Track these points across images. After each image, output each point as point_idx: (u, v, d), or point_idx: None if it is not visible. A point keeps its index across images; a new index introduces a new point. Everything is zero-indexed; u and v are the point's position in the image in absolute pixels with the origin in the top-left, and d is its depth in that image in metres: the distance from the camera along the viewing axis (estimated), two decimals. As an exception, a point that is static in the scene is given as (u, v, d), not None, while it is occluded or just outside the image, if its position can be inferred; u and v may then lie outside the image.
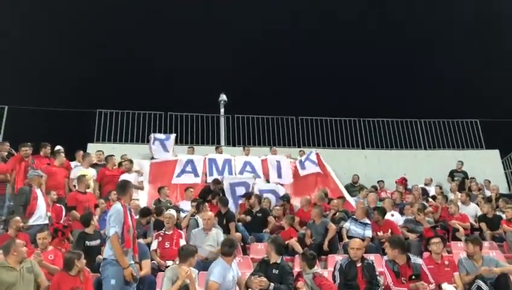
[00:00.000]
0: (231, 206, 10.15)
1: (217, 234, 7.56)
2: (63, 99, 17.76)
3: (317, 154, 13.40)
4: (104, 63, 21.62)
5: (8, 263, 5.46)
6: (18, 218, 7.06)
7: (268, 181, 12.54)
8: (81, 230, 7.32)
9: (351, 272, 6.28)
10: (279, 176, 12.85)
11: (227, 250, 5.96)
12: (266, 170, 12.90)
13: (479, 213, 10.09)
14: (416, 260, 6.37)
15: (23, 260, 5.59)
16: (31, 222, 7.54)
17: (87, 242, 6.92)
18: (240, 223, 9.11)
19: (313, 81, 22.48)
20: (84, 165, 10.59)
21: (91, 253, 6.60)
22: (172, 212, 8.06)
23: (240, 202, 10.53)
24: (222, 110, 15.83)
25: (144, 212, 8.44)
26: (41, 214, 7.73)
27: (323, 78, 22.67)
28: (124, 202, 5.50)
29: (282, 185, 12.26)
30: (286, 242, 7.85)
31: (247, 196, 10.32)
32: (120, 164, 11.21)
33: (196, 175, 12.49)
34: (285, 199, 10.77)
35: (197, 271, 5.99)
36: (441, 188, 12.96)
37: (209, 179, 12.02)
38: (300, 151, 13.83)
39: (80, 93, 19.27)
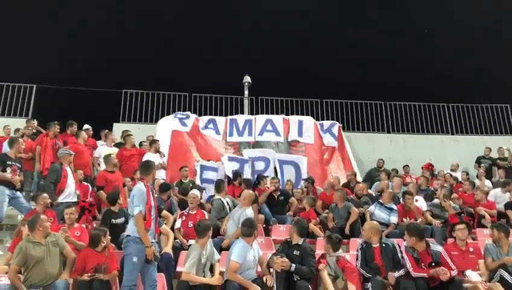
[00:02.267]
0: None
1: (241, 216, 7.29)
2: (90, 80, 17.99)
3: (339, 127, 13.45)
4: (131, 44, 21.79)
5: (35, 238, 5.58)
6: (45, 195, 7.20)
7: (287, 139, 12.82)
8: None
9: (368, 252, 6.32)
10: (300, 134, 12.95)
11: (247, 230, 6.02)
12: (287, 129, 13.02)
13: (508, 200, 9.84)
14: (435, 247, 6.29)
15: (48, 234, 5.72)
16: (61, 199, 7.66)
17: (112, 220, 7.03)
18: (264, 205, 9.08)
19: (338, 64, 22.16)
20: (108, 143, 10.75)
21: (116, 230, 6.72)
22: (196, 192, 8.11)
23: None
24: (246, 92, 15.77)
25: (163, 187, 8.38)
26: (70, 191, 7.86)
27: (349, 61, 22.33)
28: (147, 182, 5.54)
29: (302, 144, 12.53)
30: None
31: (263, 178, 10.27)
32: (141, 144, 11.36)
33: (217, 132, 12.75)
34: (310, 180, 10.73)
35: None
36: (467, 174, 12.69)
37: (229, 139, 12.58)
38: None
39: (106, 73, 19.47)
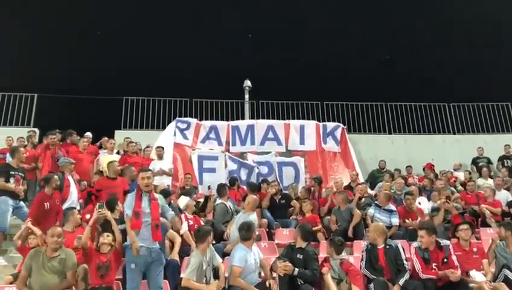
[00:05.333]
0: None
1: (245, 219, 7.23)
2: (91, 87, 18.03)
3: (343, 129, 13.43)
4: (131, 50, 21.85)
5: (45, 249, 5.56)
6: (56, 177, 7.37)
7: (288, 148, 12.79)
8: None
9: (373, 254, 6.33)
10: (302, 142, 12.97)
11: (245, 234, 6.07)
12: (288, 136, 13.00)
13: (510, 199, 9.83)
14: (444, 242, 6.36)
15: (61, 247, 5.62)
16: (64, 208, 7.70)
17: (113, 227, 6.99)
18: (265, 209, 9.10)
19: (338, 66, 22.17)
20: (108, 151, 10.77)
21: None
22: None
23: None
24: (247, 96, 15.79)
25: (163, 194, 8.19)
26: (73, 200, 7.90)
27: (349, 63, 22.34)
28: (140, 188, 5.70)
29: (303, 152, 12.59)
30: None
31: (266, 182, 10.29)
32: (144, 150, 11.38)
33: (220, 144, 12.73)
34: (317, 181, 10.72)
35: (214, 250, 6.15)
36: (470, 173, 12.67)
37: (232, 149, 12.52)
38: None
39: (107, 81, 19.52)
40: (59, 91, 15.57)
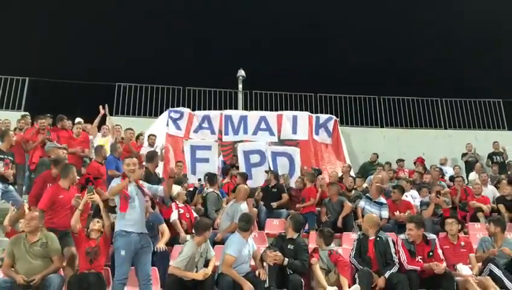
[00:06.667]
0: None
1: (236, 210, 7.24)
2: (84, 73, 17.90)
3: (335, 121, 13.40)
4: (124, 37, 21.70)
5: (26, 236, 5.49)
6: (66, 162, 7.33)
7: (280, 138, 12.76)
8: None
9: (363, 245, 6.39)
10: (294, 131, 12.95)
11: (244, 225, 6.06)
12: (281, 126, 13.01)
13: (497, 195, 9.91)
14: (429, 235, 6.43)
15: (42, 230, 5.58)
16: None
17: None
18: (261, 203, 9.06)
19: (331, 57, 22.20)
20: (102, 135, 10.72)
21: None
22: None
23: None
24: (240, 86, 15.75)
25: (148, 156, 8.09)
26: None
27: (342, 55, 22.37)
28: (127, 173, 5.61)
29: (296, 142, 12.53)
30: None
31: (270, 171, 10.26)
32: (138, 137, 11.31)
33: (212, 132, 12.75)
34: (317, 172, 10.74)
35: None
36: (460, 168, 12.75)
37: (225, 138, 12.58)
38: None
39: (100, 66, 19.37)
40: (51, 75, 15.44)
